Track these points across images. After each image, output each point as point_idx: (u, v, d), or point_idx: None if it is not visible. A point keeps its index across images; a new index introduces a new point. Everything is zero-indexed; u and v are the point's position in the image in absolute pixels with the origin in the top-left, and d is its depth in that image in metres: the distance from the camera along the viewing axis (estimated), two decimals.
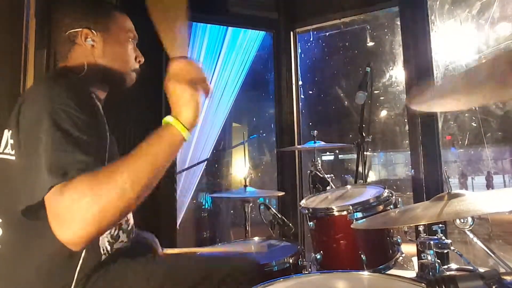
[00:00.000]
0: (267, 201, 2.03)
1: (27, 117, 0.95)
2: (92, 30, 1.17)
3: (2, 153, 1.04)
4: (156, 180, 0.87)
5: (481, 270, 0.80)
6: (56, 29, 1.19)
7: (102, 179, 0.81)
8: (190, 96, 0.92)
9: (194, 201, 3.78)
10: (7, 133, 1.06)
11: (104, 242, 1.10)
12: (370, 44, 4.08)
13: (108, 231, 1.11)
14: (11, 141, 1.02)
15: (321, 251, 1.57)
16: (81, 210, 0.78)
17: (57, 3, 1.31)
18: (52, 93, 0.95)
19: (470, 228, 1.17)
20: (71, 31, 1.16)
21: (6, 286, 1.00)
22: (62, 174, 0.82)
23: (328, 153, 5.34)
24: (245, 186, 2.12)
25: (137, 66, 1.27)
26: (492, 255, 1.17)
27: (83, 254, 1.03)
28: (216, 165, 4.27)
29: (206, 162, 3.46)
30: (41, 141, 0.87)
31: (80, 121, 0.91)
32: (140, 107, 2.24)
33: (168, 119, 0.92)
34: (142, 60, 1.29)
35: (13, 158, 1.00)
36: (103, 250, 1.09)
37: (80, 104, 0.94)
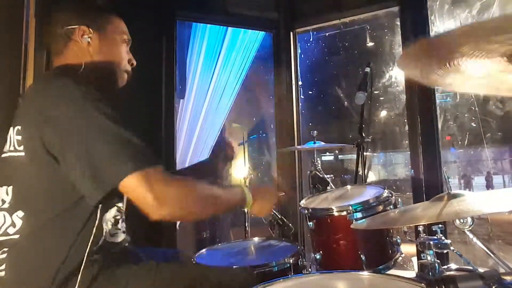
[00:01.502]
0: None
1: (66, 115, 1.01)
2: (90, 28, 1.21)
3: (14, 150, 1.06)
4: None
5: (481, 270, 0.80)
6: (53, 25, 1.21)
7: (197, 191, 1.13)
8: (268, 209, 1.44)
9: None
10: (12, 131, 1.08)
11: (108, 223, 1.15)
12: (370, 44, 4.08)
13: (113, 216, 1.17)
14: (18, 138, 1.06)
15: (321, 251, 1.56)
16: (175, 201, 1.05)
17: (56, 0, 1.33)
18: (80, 90, 1.02)
19: (470, 228, 1.17)
20: (68, 27, 1.19)
21: (22, 274, 1.03)
22: (140, 161, 0.98)
23: (328, 153, 5.35)
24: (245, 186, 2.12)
25: (129, 68, 1.32)
26: (492, 255, 1.17)
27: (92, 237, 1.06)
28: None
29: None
30: (97, 136, 0.99)
31: (116, 114, 1.03)
32: (138, 108, 2.23)
33: (248, 197, 1.31)
34: (135, 63, 1.35)
35: (22, 154, 1.04)
36: (106, 230, 1.14)
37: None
